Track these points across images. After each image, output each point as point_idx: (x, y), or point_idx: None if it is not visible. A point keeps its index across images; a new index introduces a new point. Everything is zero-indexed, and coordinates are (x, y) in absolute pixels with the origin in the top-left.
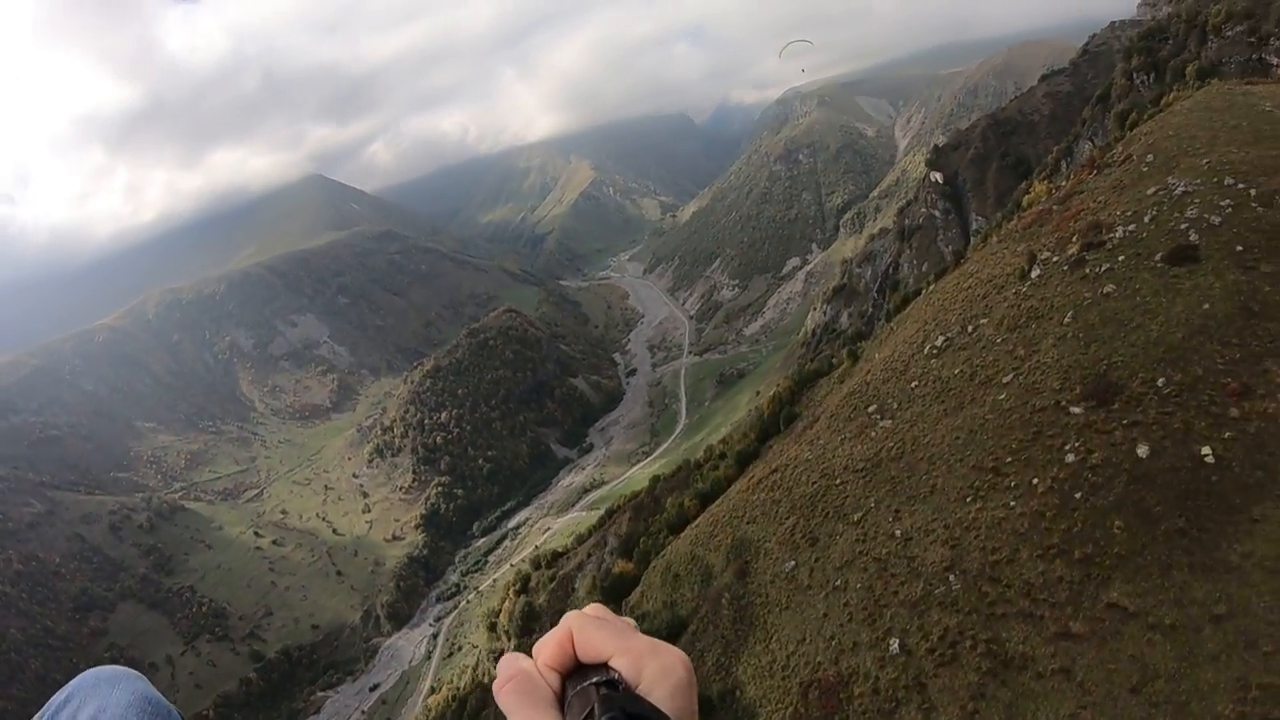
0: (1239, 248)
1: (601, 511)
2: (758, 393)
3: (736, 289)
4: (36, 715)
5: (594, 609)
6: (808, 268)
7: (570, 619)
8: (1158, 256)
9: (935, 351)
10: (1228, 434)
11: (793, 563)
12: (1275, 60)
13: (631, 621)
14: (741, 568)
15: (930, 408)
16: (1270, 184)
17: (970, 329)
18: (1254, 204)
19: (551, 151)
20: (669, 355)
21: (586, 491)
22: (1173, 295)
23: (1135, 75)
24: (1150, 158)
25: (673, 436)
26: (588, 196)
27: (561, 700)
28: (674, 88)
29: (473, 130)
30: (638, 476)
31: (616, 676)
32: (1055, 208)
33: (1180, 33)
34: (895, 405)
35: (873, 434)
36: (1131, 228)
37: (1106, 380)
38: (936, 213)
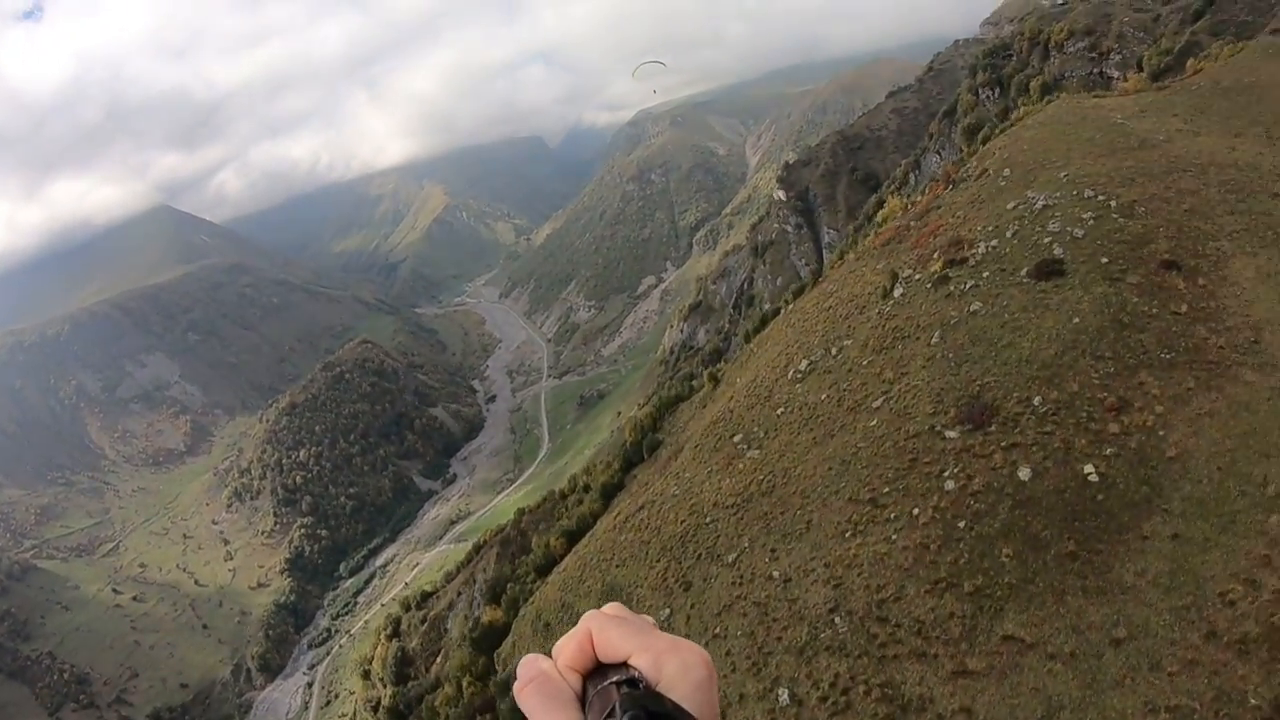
0: (1104, 259)
1: (469, 545)
2: (619, 413)
3: (593, 310)
4: None
5: (612, 608)
6: (663, 286)
7: (589, 618)
8: (1023, 271)
9: (799, 376)
10: (1109, 450)
11: (668, 610)
12: (1116, 74)
13: (650, 619)
14: None
15: (799, 436)
16: (1129, 195)
17: (835, 351)
18: (1115, 215)
19: (404, 178)
20: (529, 380)
21: (453, 523)
22: (1041, 311)
23: (980, 91)
24: (1007, 172)
25: (536, 461)
26: (441, 222)
27: (583, 700)
28: (528, 111)
29: (324, 157)
30: (504, 505)
31: (637, 675)
32: (913, 224)
33: (1023, 49)
34: (762, 434)
35: (740, 466)
36: (994, 243)
37: (981, 401)
38: (789, 228)
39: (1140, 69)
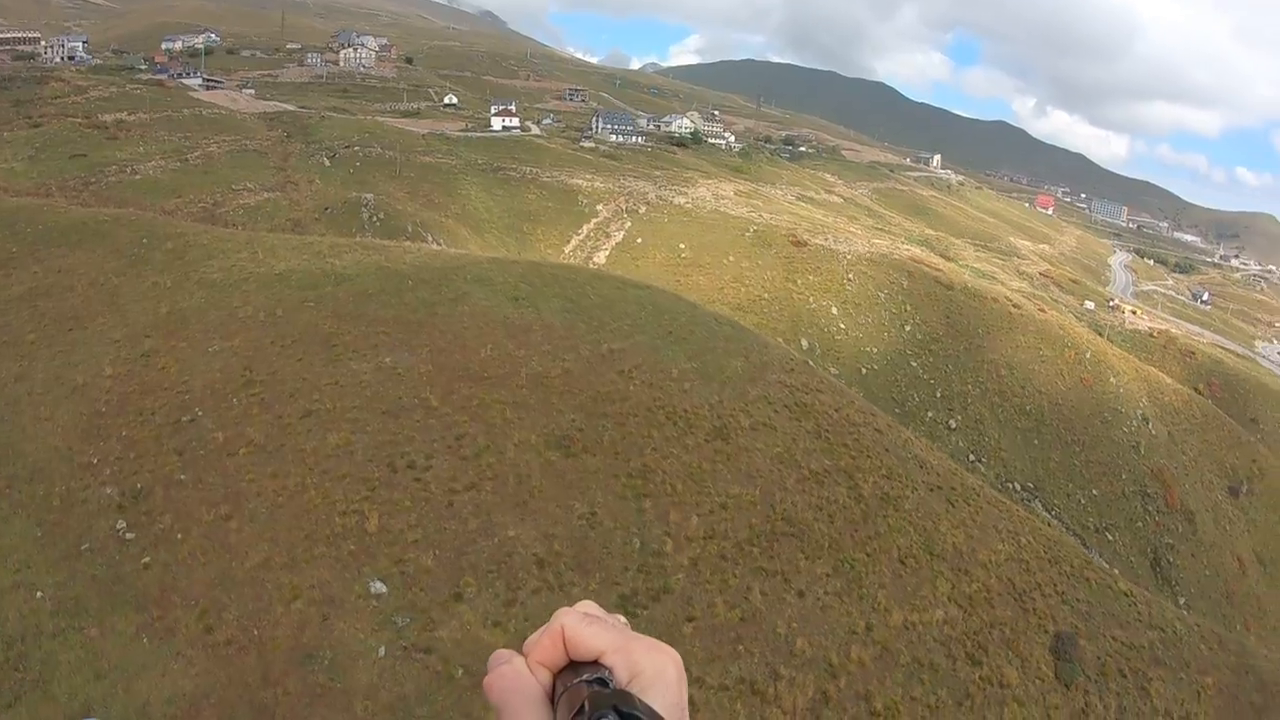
0: None
1: None
2: None
3: None
4: None
5: (585, 605)
6: None
7: (562, 615)
8: None
9: None
10: None
11: None
12: None
13: (623, 619)
14: None
15: None
16: None
17: None
18: None
19: None
20: None
21: None
22: None
23: None
24: None
25: None
26: None
27: (553, 697)
28: None
29: None
30: None
31: (607, 674)
32: None
33: None
34: None
35: None
36: None
37: None
38: None
39: None
